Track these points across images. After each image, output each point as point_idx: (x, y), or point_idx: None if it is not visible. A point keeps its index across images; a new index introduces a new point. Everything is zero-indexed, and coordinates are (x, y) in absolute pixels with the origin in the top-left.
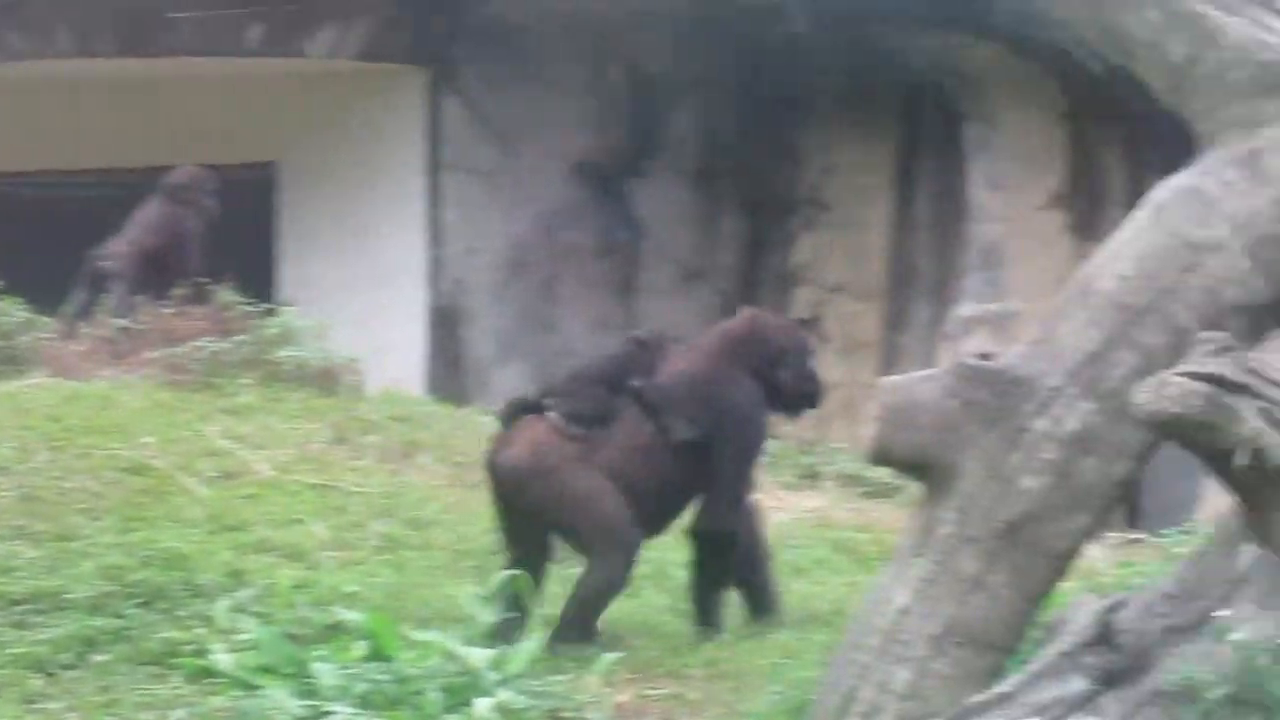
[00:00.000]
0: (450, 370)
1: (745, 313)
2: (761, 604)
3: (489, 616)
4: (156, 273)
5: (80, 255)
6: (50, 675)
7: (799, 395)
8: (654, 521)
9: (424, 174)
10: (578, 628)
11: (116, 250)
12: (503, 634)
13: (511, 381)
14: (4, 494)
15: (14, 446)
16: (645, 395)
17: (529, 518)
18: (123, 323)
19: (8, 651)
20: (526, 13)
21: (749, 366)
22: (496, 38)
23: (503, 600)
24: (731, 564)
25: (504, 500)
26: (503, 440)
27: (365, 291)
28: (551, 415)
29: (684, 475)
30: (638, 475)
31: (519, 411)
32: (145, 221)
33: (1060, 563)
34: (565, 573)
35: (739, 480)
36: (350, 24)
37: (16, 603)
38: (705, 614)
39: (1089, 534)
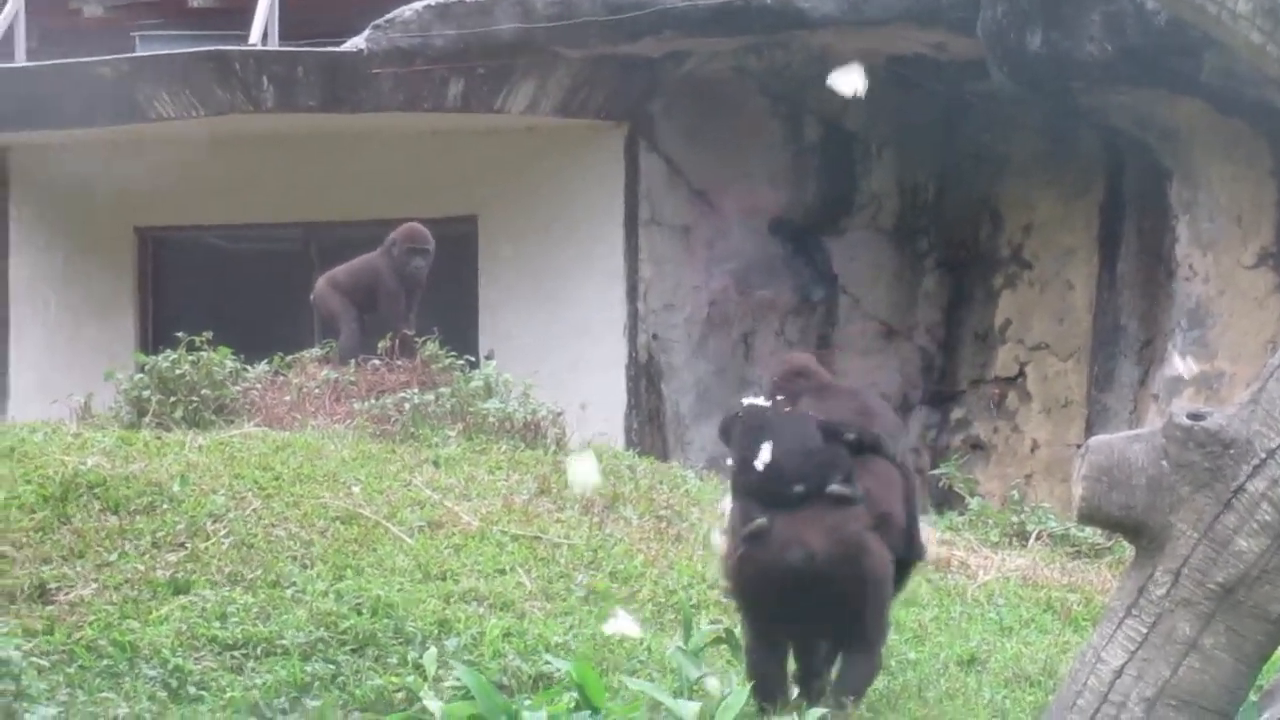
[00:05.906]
0: (649, 424)
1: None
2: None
3: (694, 670)
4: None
5: (284, 307)
6: (265, 719)
7: None
8: None
9: (621, 228)
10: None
11: (331, 298)
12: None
13: (710, 436)
14: (218, 541)
15: (226, 495)
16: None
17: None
18: (331, 374)
19: (224, 695)
20: (722, 69)
21: None
22: (693, 93)
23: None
24: None
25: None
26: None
27: (564, 345)
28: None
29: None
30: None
31: None
32: (365, 272)
33: (1278, 626)
34: None
35: None
36: (547, 81)
37: (231, 647)
38: None
39: None
